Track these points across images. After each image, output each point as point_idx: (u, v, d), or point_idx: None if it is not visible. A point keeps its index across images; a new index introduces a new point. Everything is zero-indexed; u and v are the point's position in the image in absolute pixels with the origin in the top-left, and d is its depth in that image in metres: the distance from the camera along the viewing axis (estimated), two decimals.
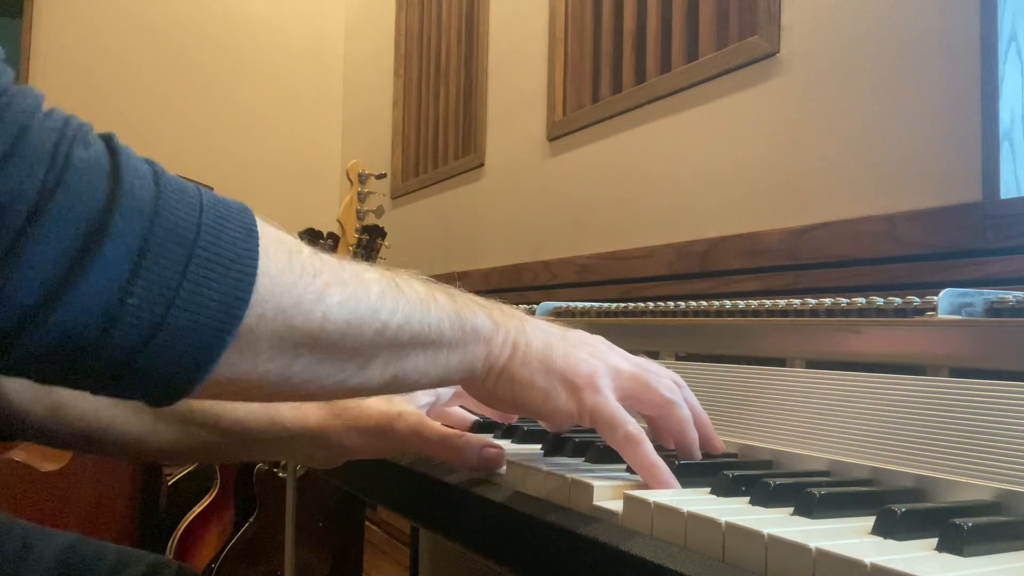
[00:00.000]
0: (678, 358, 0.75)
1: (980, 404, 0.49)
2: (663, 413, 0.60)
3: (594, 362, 0.59)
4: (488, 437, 0.71)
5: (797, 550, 0.40)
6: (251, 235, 0.45)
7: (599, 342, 0.61)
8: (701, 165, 1.51)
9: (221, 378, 0.44)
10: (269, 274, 0.44)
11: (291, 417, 0.68)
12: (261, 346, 0.45)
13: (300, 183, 3.42)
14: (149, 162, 0.45)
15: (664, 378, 0.61)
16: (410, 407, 0.69)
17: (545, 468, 0.60)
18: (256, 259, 0.44)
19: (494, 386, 0.57)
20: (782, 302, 0.71)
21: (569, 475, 0.57)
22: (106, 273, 0.39)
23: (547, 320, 0.63)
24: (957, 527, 0.40)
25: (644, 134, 1.67)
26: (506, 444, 0.72)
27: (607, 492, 0.54)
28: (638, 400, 0.60)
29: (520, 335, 0.58)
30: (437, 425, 0.67)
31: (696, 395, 0.69)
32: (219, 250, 0.43)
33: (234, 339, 0.43)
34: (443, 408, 0.77)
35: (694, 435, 0.60)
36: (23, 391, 0.65)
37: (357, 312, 0.48)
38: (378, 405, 0.68)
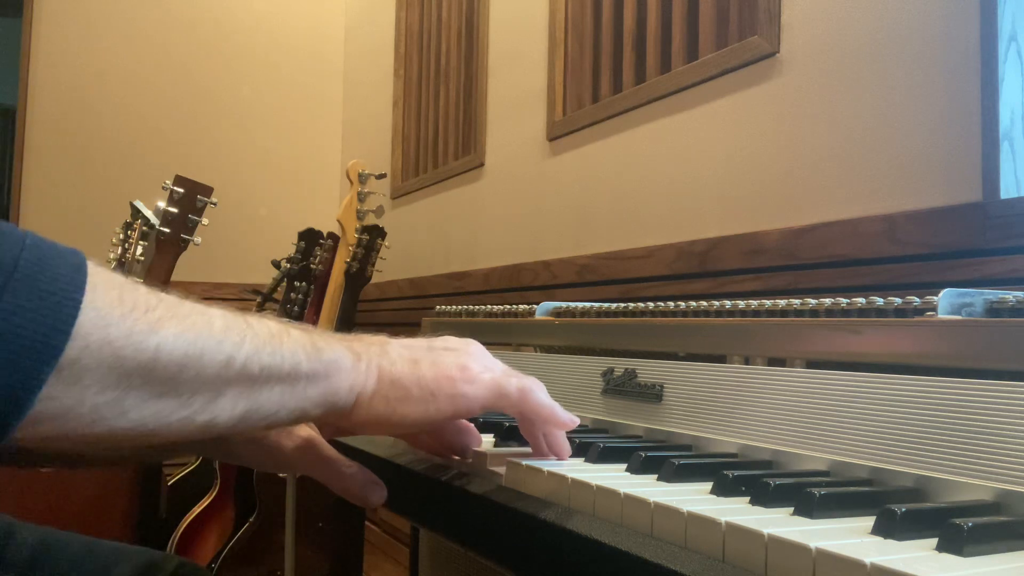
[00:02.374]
0: (679, 358, 0.75)
1: (980, 404, 0.49)
2: (524, 407, 0.62)
3: (462, 358, 0.61)
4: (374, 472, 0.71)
5: (797, 550, 0.40)
6: (78, 271, 0.44)
7: (466, 344, 0.63)
8: (701, 165, 1.51)
9: (47, 413, 0.42)
10: (95, 307, 0.43)
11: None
12: (88, 378, 0.43)
13: (300, 183, 3.42)
14: None
15: (524, 377, 0.64)
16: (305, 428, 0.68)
17: (546, 468, 0.60)
18: (80, 291, 0.43)
19: (367, 412, 0.57)
20: (782, 302, 0.71)
21: (570, 475, 0.57)
22: None
23: (413, 339, 0.63)
24: (957, 527, 0.40)
25: (644, 134, 1.67)
26: (505, 446, 0.72)
27: (607, 491, 0.54)
28: (498, 390, 0.61)
29: (382, 358, 0.58)
30: (328, 447, 0.68)
31: (696, 395, 0.69)
32: (38, 283, 0.42)
33: (54, 370, 0.41)
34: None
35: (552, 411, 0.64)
36: None
37: (197, 344, 0.47)
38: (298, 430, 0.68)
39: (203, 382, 0.48)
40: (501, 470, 0.65)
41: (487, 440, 0.73)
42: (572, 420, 0.64)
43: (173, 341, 0.46)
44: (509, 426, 0.72)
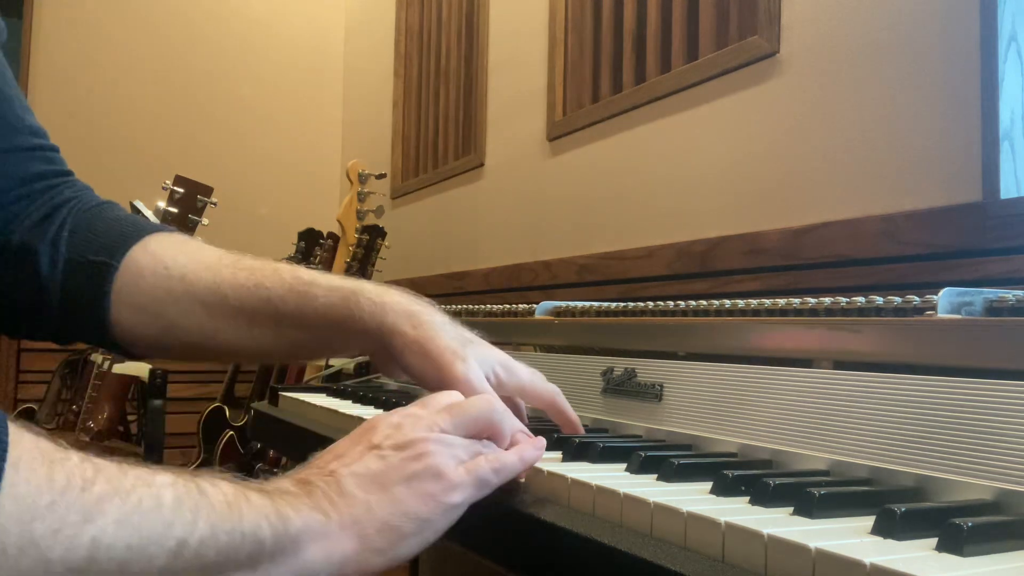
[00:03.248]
0: (679, 358, 0.74)
1: (980, 404, 0.48)
2: (494, 421, 0.59)
3: (427, 460, 0.53)
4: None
5: (797, 550, 0.40)
6: None
7: (406, 427, 0.55)
8: (701, 165, 1.51)
9: None
10: (17, 495, 0.35)
11: (369, 312, 0.67)
12: None
13: (300, 183, 3.42)
14: None
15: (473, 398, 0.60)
16: (475, 365, 0.65)
17: (545, 468, 0.60)
18: None
19: (358, 568, 0.49)
20: (782, 302, 0.71)
21: (570, 476, 0.57)
22: None
23: (344, 446, 0.54)
24: (957, 527, 0.40)
25: (644, 134, 1.67)
26: None
27: (607, 491, 0.54)
28: (466, 423, 0.57)
29: (353, 506, 0.50)
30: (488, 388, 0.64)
31: (696, 395, 0.69)
32: None
33: None
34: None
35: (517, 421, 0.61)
36: (135, 316, 0.69)
37: (142, 531, 0.38)
38: (450, 343, 0.65)
39: None
40: None
41: None
42: (540, 445, 0.60)
43: (114, 532, 0.38)
44: (559, 437, 0.69)
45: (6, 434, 0.36)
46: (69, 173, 0.78)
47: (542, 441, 0.60)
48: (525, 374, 0.70)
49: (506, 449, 0.59)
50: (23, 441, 0.37)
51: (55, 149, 0.77)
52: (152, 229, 0.74)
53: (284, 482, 0.50)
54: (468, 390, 0.63)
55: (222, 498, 0.43)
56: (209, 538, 0.41)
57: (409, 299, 0.69)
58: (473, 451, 0.56)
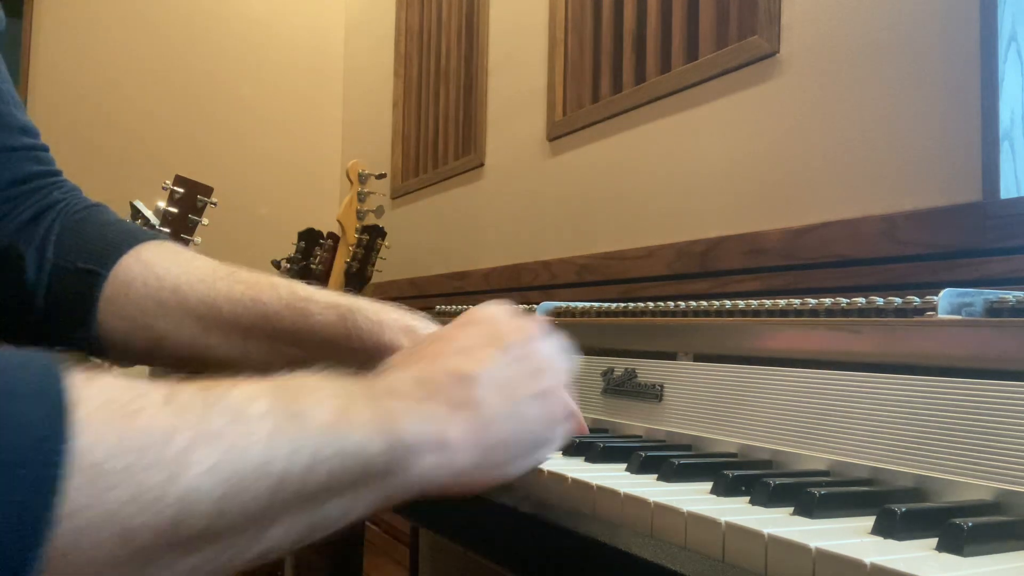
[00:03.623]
0: (679, 358, 0.75)
1: (980, 404, 0.49)
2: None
3: (556, 387, 0.52)
4: None
5: (797, 550, 0.40)
6: (56, 411, 0.31)
7: (535, 342, 0.53)
8: (701, 165, 1.51)
9: None
10: (86, 466, 0.31)
11: (367, 330, 0.66)
12: (86, 569, 0.32)
13: (300, 183, 3.42)
14: None
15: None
16: None
17: (545, 468, 0.60)
18: (60, 450, 0.30)
19: (469, 485, 0.48)
20: (782, 302, 0.71)
21: (570, 475, 0.57)
22: None
23: (459, 335, 0.53)
24: (957, 527, 0.40)
25: (644, 134, 1.67)
26: None
27: (607, 491, 0.54)
28: (579, 420, 0.58)
29: (477, 417, 0.47)
30: None
31: (696, 395, 0.69)
32: None
33: (40, 572, 0.30)
34: None
35: None
36: (124, 327, 0.67)
37: (236, 475, 0.35)
38: None
39: (249, 518, 0.37)
40: None
41: None
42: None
43: (204, 481, 0.34)
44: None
45: (67, 394, 0.32)
46: (58, 173, 0.76)
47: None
48: None
49: None
50: (89, 397, 0.33)
51: (45, 148, 0.76)
52: (144, 237, 0.72)
53: (401, 380, 0.46)
54: None
55: (326, 417, 0.40)
56: (310, 468, 0.38)
57: (406, 314, 0.69)
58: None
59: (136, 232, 0.73)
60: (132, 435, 0.33)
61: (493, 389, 0.48)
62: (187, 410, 0.35)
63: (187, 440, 0.34)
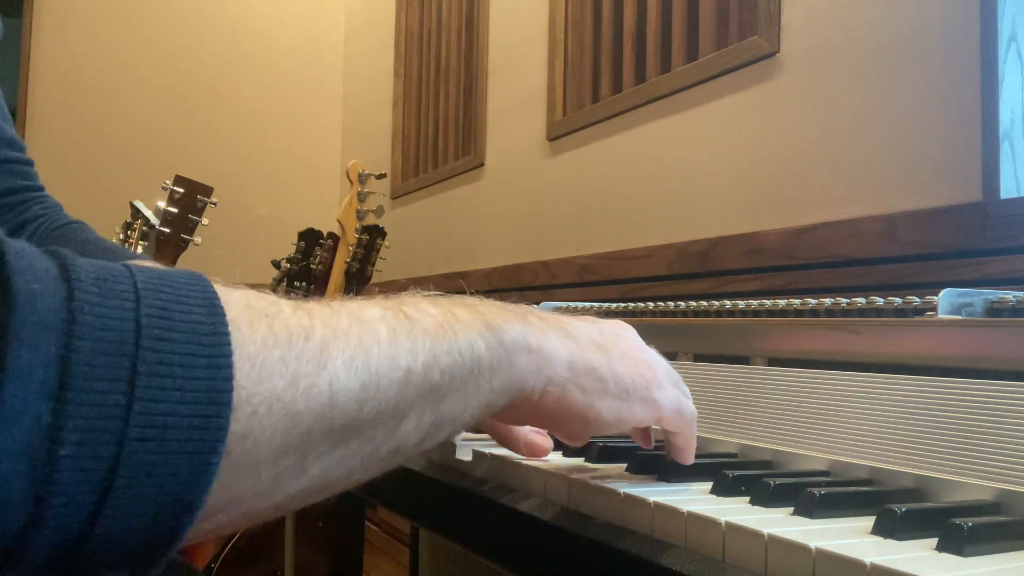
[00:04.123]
0: (679, 358, 0.74)
1: (980, 404, 0.49)
2: (687, 429, 0.57)
3: (643, 354, 0.54)
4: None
5: (797, 550, 0.40)
6: (214, 311, 0.34)
7: (633, 335, 0.56)
8: (701, 165, 1.51)
9: (217, 505, 0.34)
10: (248, 355, 0.34)
11: None
12: (261, 450, 0.35)
13: (300, 183, 3.42)
14: (53, 252, 0.32)
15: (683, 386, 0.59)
16: None
17: (545, 468, 0.60)
18: (227, 341, 0.33)
19: (559, 402, 0.49)
20: (782, 302, 0.71)
21: (570, 475, 0.57)
22: (16, 425, 0.28)
23: (575, 315, 0.56)
24: (957, 527, 0.40)
25: (644, 134, 1.67)
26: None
27: (607, 491, 0.54)
28: (679, 409, 0.56)
29: (570, 339, 0.50)
30: None
31: (696, 395, 0.69)
32: (173, 345, 0.32)
33: (222, 457, 0.32)
34: None
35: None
36: None
37: (371, 368, 0.38)
38: None
39: (384, 411, 0.39)
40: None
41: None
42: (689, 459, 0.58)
43: (346, 374, 0.37)
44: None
45: (218, 297, 0.35)
46: (40, 188, 0.76)
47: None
48: None
49: None
50: (234, 300, 0.35)
51: (30, 163, 0.75)
52: (124, 256, 0.70)
53: (495, 302, 0.49)
54: None
55: (432, 321, 0.43)
56: (432, 362, 0.41)
57: None
58: (681, 389, 0.57)
59: (116, 251, 0.71)
60: (277, 331, 0.36)
61: (588, 335, 0.51)
62: (317, 314, 0.38)
63: (323, 336, 0.37)
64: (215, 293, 0.35)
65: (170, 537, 0.32)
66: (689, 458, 0.58)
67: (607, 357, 0.51)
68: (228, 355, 0.33)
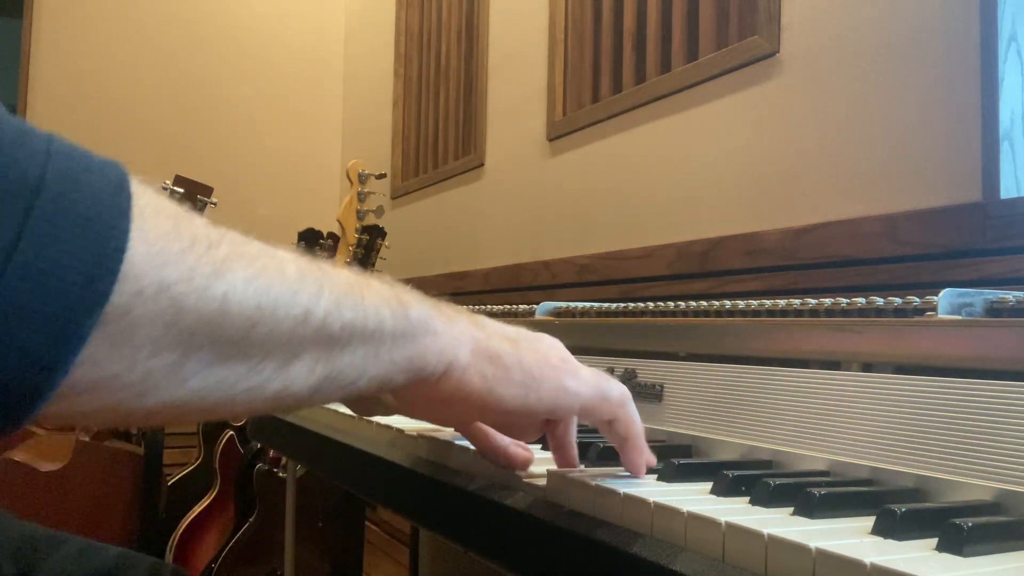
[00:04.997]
0: (679, 358, 0.74)
1: (980, 404, 0.49)
2: (621, 413, 0.56)
3: (559, 349, 0.55)
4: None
5: (797, 550, 0.40)
6: (120, 190, 0.34)
7: (555, 341, 0.56)
8: (701, 165, 1.51)
9: (83, 383, 0.33)
10: (147, 239, 0.34)
11: None
12: (140, 335, 0.34)
13: (300, 183, 3.42)
14: None
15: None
16: None
17: (545, 469, 0.60)
18: (127, 217, 0.33)
19: (457, 386, 0.49)
20: (782, 302, 0.71)
21: (569, 475, 0.57)
22: None
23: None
24: (957, 527, 0.40)
25: (644, 134, 1.67)
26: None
27: (606, 491, 0.54)
28: (602, 391, 0.56)
29: (477, 330, 0.51)
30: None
31: (696, 395, 0.69)
32: (72, 204, 0.32)
33: (97, 323, 0.32)
34: None
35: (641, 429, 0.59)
36: None
37: (270, 293, 0.38)
38: None
39: (276, 342, 0.39)
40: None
41: None
42: (652, 457, 0.58)
43: (243, 288, 0.37)
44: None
45: (130, 183, 0.35)
46: None
47: (654, 458, 0.58)
48: None
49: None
50: (147, 194, 0.35)
51: None
52: None
53: (412, 290, 0.49)
54: None
55: (344, 279, 0.43)
56: (334, 311, 0.41)
57: None
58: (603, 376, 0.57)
59: None
60: (182, 231, 0.35)
61: (497, 329, 0.52)
62: (227, 233, 0.38)
63: (228, 251, 0.37)
64: (128, 178, 0.35)
65: (31, 395, 0.32)
66: (639, 460, 0.56)
67: (515, 347, 0.51)
68: (125, 229, 0.33)
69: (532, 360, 0.52)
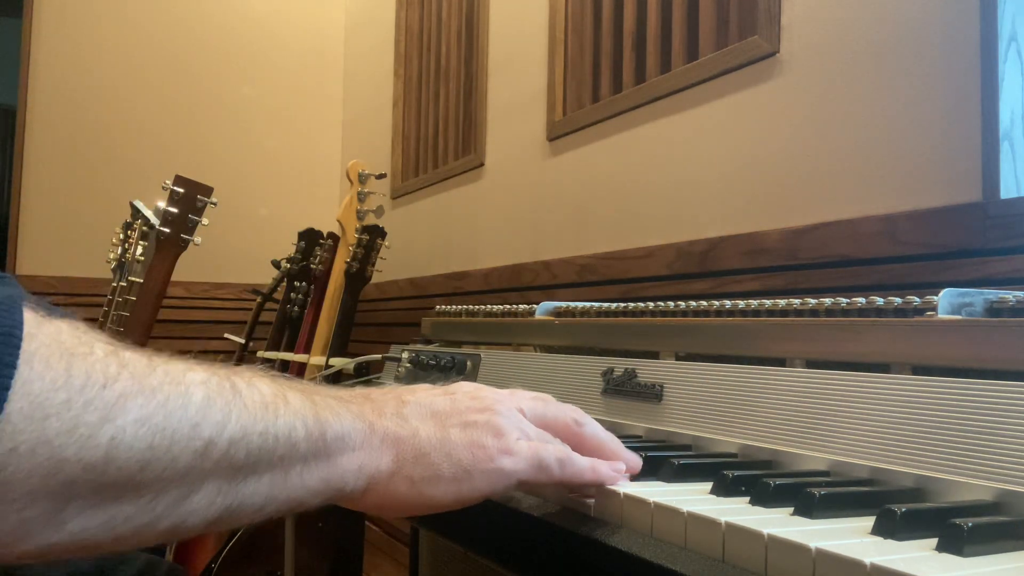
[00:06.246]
0: (678, 358, 0.74)
1: (980, 404, 0.49)
2: (573, 431, 0.56)
3: (494, 419, 0.52)
4: None
5: (797, 550, 0.40)
6: (9, 341, 0.33)
7: (493, 397, 0.54)
8: (701, 165, 1.51)
9: None
10: (30, 392, 0.33)
11: None
12: (13, 491, 0.33)
13: (300, 183, 3.42)
14: None
15: (563, 405, 0.58)
16: None
17: None
18: (10, 374, 0.33)
19: (383, 497, 0.48)
20: (782, 302, 0.71)
21: None
22: None
23: (424, 388, 0.53)
24: (957, 527, 0.40)
25: (644, 134, 1.67)
26: None
27: (606, 492, 0.54)
28: (546, 417, 0.55)
29: (402, 427, 0.48)
30: None
31: (696, 395, 0.69)
32: None
33: None
34: None
35: (612, 444, 0.57)
36: None
37: (167, 430, 0.37)
38: None
39: (171, 478, 0.37)
40: None
41: None
42: (619, 468, 0.56)
43: (135, 430, 0.36)
44: None
45: (21, 327, 0.34)
46: None
47: (621, 465, 0.56)
48: None
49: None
50: (41, 334, 0.35)
51: None
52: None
53: (337, 390, 0.48)
54: None
55: (258, 398, 0.42)
56: (240, 439, 0.40)
57: None
58: (544, 438, 0.54)
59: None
60: (74, 374, 0.35)
61: (424, 410, 0.50)
62: (129, 364, 0.37)
63: (124, 388, 0.36)
64: (19, 322, 0.34)
65: None
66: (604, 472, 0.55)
67: (443, 435, 0.49)
68: (5, 387, 0.32)
69: (463, 446, 0.50)
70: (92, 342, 0.37)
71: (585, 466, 0.54)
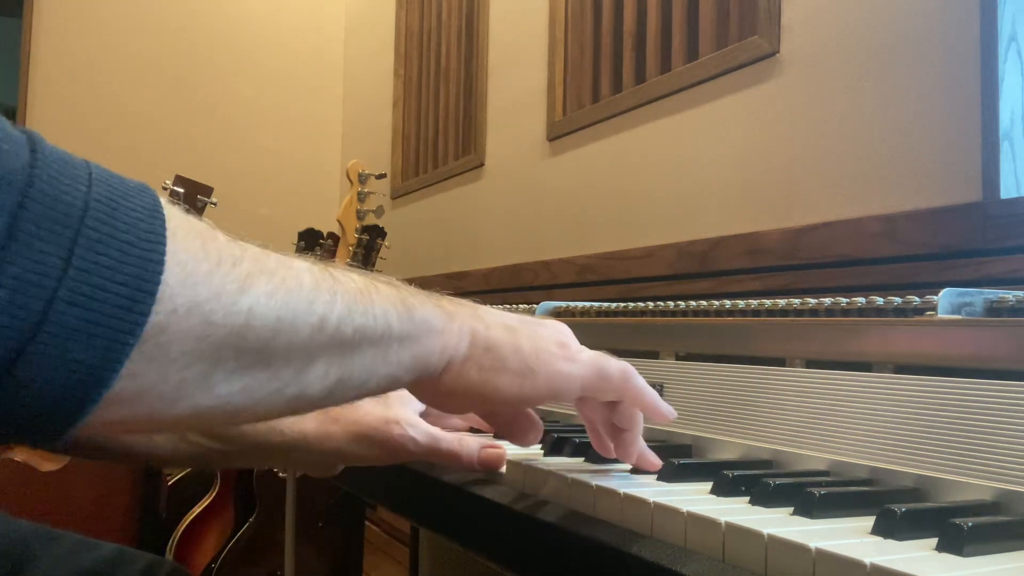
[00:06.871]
0: (678, 358, 0.74)
1: (980, 404, 0.49)
2: (625, 388, 0.57)
3: (559, 335, 0.56)
4: (486, 437, 0.71)
5: (797, 550, 0.40)
6: (155, 215, 0.37)
7: (557, 323, 0.58)
8: (701, 165, 1.51)
9: (123, 394, 0.35)
10: (179, 260, 0.36)
11: (288, 423, 0.65)
12: (173, 350, 0.36)
13: (300, 183, 3.42)
14: (25, 130, 0.36)
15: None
16: (406, 411, 0.66)
17: (545, 468, 0.60)
18: (163, 241, 0.36)
19: (456, 380, 0.51)
20: (782, 302, 0.71)
21: (569, 475, 0.57)
22: None
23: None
24: (957, 527, 0.40)
25: (644, 134, 1.67)
26: (505, 444, 0.72)
27: (607, 492, 0.54)
28: (600, 371, 0.57)
29: (477, 322, 0.53)
30: (433, 429, 0.66)
31: (696, 395, 0.69)
32: (114, 230, 0.35)
33: (138, 341, 0.35)
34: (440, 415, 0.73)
35: (654, 398, 0.59)
36: None
37: (289, 305, 0.41)
38: (374, 410, 0.65)
39: (295, 349, 0.42)
40: (503, 469, 0.65)
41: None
42: (671, 411, 0.59)
43: (265, 303, 0.40)
44: (559, 437, 0.70)
45: (161, 206, 0.37)
46: None
47: (674, 412, 0.60)
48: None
49: None
50: (177, 215, 0.38)
51: None
52: None
53: (415, 288, 0.52)
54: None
55: (353, 286, 0.46)
56: (346, 317, 0.44)
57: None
58: (602, 357, 0.57)
59: None
60: (211, 249, 0.38)
61: (497, 318, 0.54)
62: (248, 248, 0.41)
63: (249, 268, 0.40)
64: (160, 202, 0.38)
65: (76, 408, 0.34)
66: (630, 450, 0.58)
67: (513, 336, 0.54)
68: (161, 252, 0.36)
69: (529, 348, 0.54)
70: (213, 228, 0.40)
71: (647, 388, 0.57)
